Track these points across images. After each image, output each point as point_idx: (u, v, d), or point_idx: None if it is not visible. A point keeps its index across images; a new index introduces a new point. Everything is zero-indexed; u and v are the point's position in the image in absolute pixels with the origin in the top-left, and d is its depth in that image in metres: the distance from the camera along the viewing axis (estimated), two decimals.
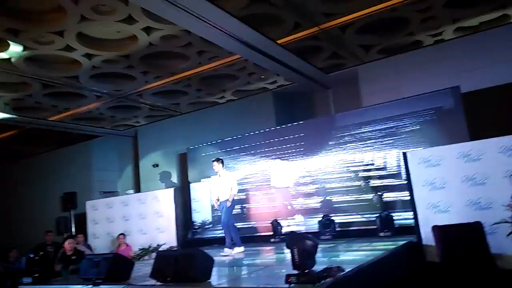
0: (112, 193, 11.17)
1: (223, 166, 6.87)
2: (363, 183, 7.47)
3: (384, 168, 7.35)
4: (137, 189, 11.04)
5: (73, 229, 10.96)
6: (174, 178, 10.31)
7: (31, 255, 5.64)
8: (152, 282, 4.08)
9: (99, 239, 9.33)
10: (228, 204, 6.64)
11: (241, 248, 6.60)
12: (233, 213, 6.91)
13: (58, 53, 6.36)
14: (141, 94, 8.63)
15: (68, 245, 7.04)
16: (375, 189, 7.34)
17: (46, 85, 7.59)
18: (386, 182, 7.24)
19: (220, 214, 7.04)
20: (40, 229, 10.84)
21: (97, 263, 4.55)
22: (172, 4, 4.88)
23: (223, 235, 8.43)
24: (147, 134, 11.05)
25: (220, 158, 7.05)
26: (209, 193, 9.20)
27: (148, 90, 8.43)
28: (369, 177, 7.44)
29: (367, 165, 7.52)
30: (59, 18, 5.38)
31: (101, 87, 8.02)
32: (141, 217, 8.94)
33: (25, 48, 6.07)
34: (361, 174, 7.53)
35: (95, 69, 7.11)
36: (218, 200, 6.83)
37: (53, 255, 7.91)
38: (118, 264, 4.56)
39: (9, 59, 6.34)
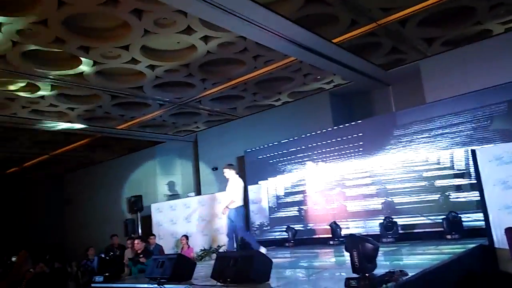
0: (175, 196, 11.67)
1: (235, 172, 6.69)
2: (428, 183, 7.11)
3: (451, 167, 6.94)
4: (198, 192, 11.42)
5: (140, 231, 11.63)
6: None
7: (102, 255, 6.08)
8: (213, 282, 4.20)
9: (163, 240, 9.77)
10: (225, 211, 6.41)
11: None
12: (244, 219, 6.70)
13: (124, 66, 6.77)
14: (200, 100, 8.93)
15: (137, 244, 7.44)
16: (441, 189, 6.95)
17: (114, 96, 8.13)
18: (453, 182, 6.83)
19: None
20: (111, 230, 11.64)
21: (162, 263, 4.78)
22: (228, 13, 5.02)
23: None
24: (206, 139, 11.40)
25: (232, 164, 6.88)
26: (266, 195, 9.29)
27: (206, 96, 8.70)
28: (435, 177, 7.06)
29: (432, 164, 7.14)
30: (124, 34, 5.74)
31: (164, 96, 8.42)
32: (202, 219, 9.25)
33: (95, 63, 6.56)
34: (426, 174, 7.17)
35: (157, 79, 7.48)
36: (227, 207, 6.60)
37: (118, 258, 8.40)
38: (181, 264, 4.74)
39: (81, 73, 6.89)
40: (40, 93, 7.53)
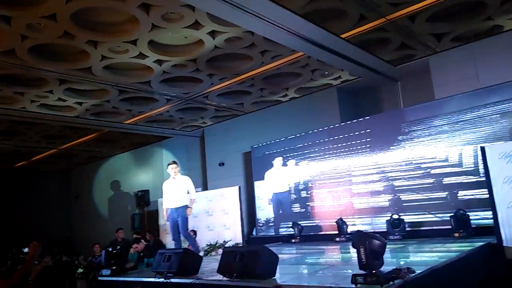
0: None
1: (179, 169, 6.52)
2: (436, 181, 7.05)
3: (459, 164, 6.87)
4: (205, 187, 11.46)
5: (146, 225, 11.73)
6: (240, 176, 10.54)
7: (109, 249, 6.15)
8: (219, 277, 4.21)
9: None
10: (189, 212, 6.21)
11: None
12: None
13: (132, 60, 6.78)
14: (207, 95, 8.93)
15: (136, 248, 7.76)
16: (449, 186, 6.89)
17: (121, 91, 8.16)
18: (461, 179, 6.76)
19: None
20: (118, 224, 11.76)
21: (168, 257, 4.79)
22: (236, 7, 4.99)
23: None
24: (213, 134, 11.41)
25: (175, 161, 6.69)
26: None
27: (213, 92, 8.70)
28: (443, 174, 7.00)
29: (440, 161, 7.08)
30: (132, 28, 5.74)
31: (171, 91, 8.43)
32: (208, 214, 9.29)
33: (103, 58, 6.57)
34: (434, 171, 7.11)
35: (165, 74, 7.49)
36: (168, 208, 6.40)
37: (120, 251, 8.60)
38: (188, 259, 4.76)
39: (89, 68, 6.92)
40: (49, 87, 7.58)
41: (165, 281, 4.59)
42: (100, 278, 5.74)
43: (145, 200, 12.00)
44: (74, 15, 5.26)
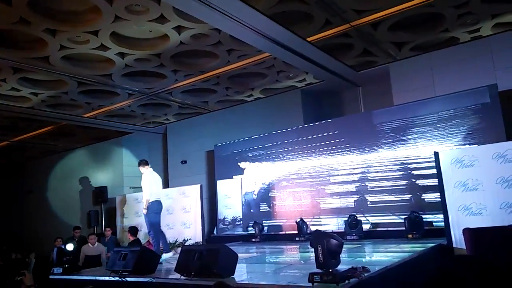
0: (142, 188, 11.43)
1: (143, 167, 6.50)
2: (393, 183, 7.30)
3: (415, 169, 7.16)
4: (166, 185, 11.24)
5: (103, 222, 11.37)
6: (202, 175, 10.44)
7: (62, 246, 5.88)
8: (177, 276, 4.15)
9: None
10: (144, 212, 6.26)
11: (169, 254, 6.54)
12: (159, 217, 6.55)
13: (93, 52, 6.55)
14: (171, 92, 8.78)
15: (92, 240, 7.85)
16: (405, 189, 7.15)
17: (81, 83, 7.86)
18: (417, 182, 7.06)
19: None
20: (74, 221, 11.33)
21: (124, 255, 4.66)
22: (203, 3, 4.94)
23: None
24: (176, 131, 11.24)
25: (144, 159, 6.68)
26: (240, 190, 9.28)
27: (177, 88, 8.57)
28: (399, 177, 7.26)
29: (397, 165, 7.35)
30: (94, 18, 5.54)
31: (133, 85, 8.21)
32: (169, 212, 9.10)
33: (61, 48, 6.29)
34: (391, 174, 7.37)
35: (127, 68, 7.29)
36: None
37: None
38: (145, 257, 4.65)
39: (46, 58, 6.60)
40: (2, 75, 7.17)
41: (120, 279, 4.46)
42: (51, 277, 5.49)
43: (102, 197, 11.62)
44: (31, 1, 5.00)
